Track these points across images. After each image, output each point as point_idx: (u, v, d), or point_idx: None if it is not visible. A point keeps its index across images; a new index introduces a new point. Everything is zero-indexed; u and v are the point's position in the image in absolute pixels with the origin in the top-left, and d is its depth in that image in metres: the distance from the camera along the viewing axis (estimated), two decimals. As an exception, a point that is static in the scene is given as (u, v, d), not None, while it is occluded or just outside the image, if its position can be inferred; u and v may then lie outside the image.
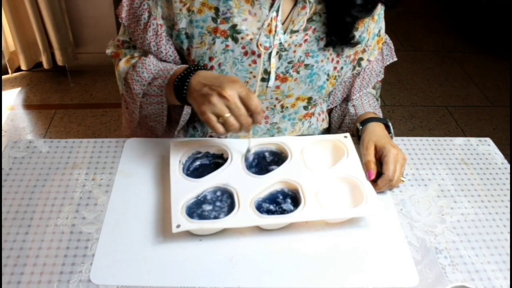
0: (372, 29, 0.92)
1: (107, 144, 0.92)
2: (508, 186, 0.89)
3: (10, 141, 0.91)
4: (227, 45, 0.83)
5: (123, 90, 0.92)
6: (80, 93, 2.42)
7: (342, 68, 0.92)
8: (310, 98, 0.93)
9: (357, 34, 0.88)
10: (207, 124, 0.73)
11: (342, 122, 1.03)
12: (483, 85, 2.76)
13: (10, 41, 2.33)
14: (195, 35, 0.84)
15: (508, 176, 0.92)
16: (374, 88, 1.06)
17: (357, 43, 0.89)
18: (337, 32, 0.86)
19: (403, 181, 0.85)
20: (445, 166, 0.93)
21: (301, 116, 0.96)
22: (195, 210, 0.75)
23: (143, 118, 0.94)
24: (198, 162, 0.84)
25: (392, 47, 1.01)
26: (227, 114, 0.71)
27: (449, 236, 0.78)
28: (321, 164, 0.85)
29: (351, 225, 0.78)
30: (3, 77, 2.46)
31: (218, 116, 0.72)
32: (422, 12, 3.57)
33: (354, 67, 0.96)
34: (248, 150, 0.84)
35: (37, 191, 0.81)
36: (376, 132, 0.89)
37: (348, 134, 0.89)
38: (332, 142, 0.88)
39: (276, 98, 0.91)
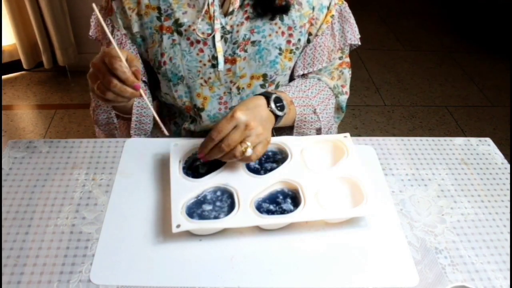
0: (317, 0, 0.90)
1: (107, 144, 0.92)
2: (508, 186, 0.89)
3: (10, 141, 0.91)
4: (173, 40, 0.88)
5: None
6: (80, 93, 2.42)
7: (299, 39, 0.91)
8: (265, 76, 0.92)
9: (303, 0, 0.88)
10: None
11: None
12: (483, 85, 2.76)
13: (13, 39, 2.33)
14: (147, 37, 0.90)
15: (508, 176, 0.92)
16: (335, 92, 0.99)
17: (284, 9, 0.87)
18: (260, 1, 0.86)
19: (246, 148, 0.74)
20: (445, 166, 0.93)
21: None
22: (195, 210, 0.75)
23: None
24: (198, 162, 0.84)
25: (356, 28, 0.96)
26: (98, 81, 0.72)
27: (449, 236, 0.78)
28: (321, 164, 0.85)
29: (351, 225, 0.78)
30: (3, 77, 2.46)
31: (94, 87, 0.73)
32: (422, 12, 3.57)
33: (308, 40, 0.94)
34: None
35: (37, 191, 0.81)
36: (247, 101, 0.80)
37: (348, 134, 0.89)
38: (332, 142, 0.88)
39: (231, 81, 0.92)
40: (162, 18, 0.87)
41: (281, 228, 0.76)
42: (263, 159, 0.85)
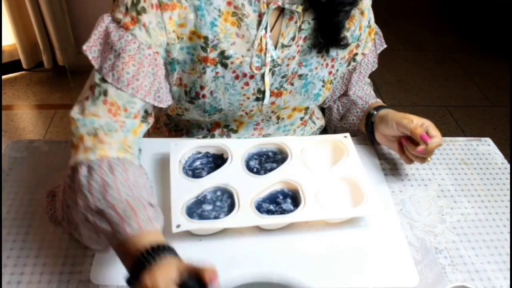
0: (363, 22, 0.90)
1: (107, 144, 0.91)
2: (508, 186, 0.89)
3: (10, 141, 0.91)
4: (217, 72, 0.80)
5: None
6: (80, 93, 2.42)
7: (337, 70, 0.91)
8: (307, 108, 0.93)
9: (348, 34, 0.85)
10: None
11: (347, 112, 1.00)
12: (483, 85, 2.76)
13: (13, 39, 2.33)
14: (187, 61, 0.80)
15: (508, 176, 0.92)
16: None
17: (347, 44, 0.86)
18: (327, 34, 0.82)
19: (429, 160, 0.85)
20: (445, 166, 0.93)
21: (295, 126, 0.97)
22: (195, 210, 0.75)
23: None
24: (198, 162, 0.84)
25: (381, 34, 0.98)
26: None
27: (449, 236, 0.78)
28: (321, 164, 0.85)
29: (351, 225, 0.78)
30: (3, 77, 2.46)
31: None
32: (422, 12, 3.57)
33: (349, 63, 0.94)
34: None
35: (37, 191, 0.81)
36: (397, 112, 0.91)
37: (348, 134, 0.89)
38: (332, 142, 0.88)
39: (272, 111, 0.90)
40: (208, 49, 0.78)
41: (281, 228, 0.76)
42: (263, 159, 0.85)
